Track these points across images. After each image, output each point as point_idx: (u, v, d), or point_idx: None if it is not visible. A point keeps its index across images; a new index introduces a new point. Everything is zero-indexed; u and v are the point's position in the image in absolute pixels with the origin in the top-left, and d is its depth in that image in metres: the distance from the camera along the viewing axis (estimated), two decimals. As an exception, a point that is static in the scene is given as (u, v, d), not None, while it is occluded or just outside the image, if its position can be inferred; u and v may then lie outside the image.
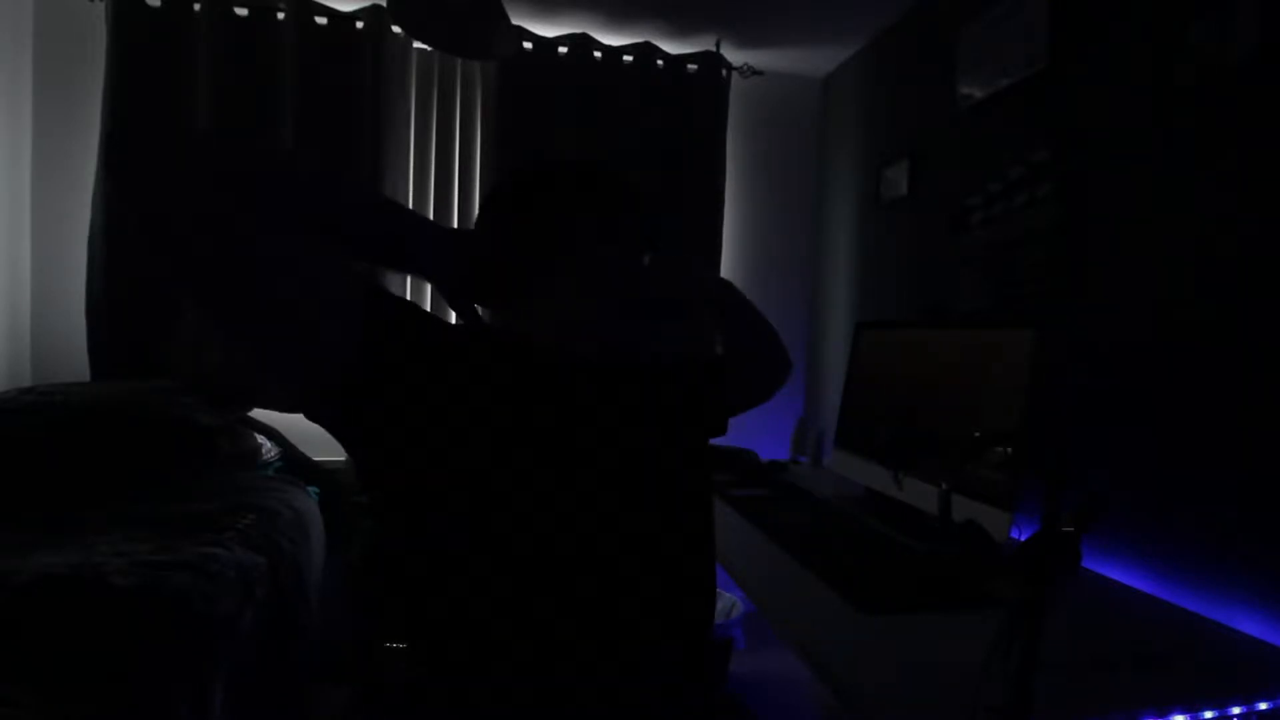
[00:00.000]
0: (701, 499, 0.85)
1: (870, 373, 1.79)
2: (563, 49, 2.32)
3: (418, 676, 0.72)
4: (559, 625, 0.69)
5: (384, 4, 2.07)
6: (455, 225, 2.31)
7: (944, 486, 1.07)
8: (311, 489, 1.98)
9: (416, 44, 2.24)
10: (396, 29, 2.17)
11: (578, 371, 0.79)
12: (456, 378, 0.70)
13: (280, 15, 2.12)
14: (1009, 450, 1.20)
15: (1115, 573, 1.26)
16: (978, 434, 1.19)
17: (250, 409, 2.11)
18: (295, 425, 2.16)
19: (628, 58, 2.38)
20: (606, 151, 2.34)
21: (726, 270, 2.54)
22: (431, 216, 2.32)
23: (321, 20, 2.15)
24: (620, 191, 0.85)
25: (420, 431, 0.68)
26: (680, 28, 2.32)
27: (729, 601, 2.20)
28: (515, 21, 2.19)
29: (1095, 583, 1.21)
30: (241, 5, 2.10)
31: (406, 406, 0.67)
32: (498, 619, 0.68)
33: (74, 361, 2.04)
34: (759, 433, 2.40)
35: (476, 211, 2.25)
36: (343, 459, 2.18)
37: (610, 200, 0.84)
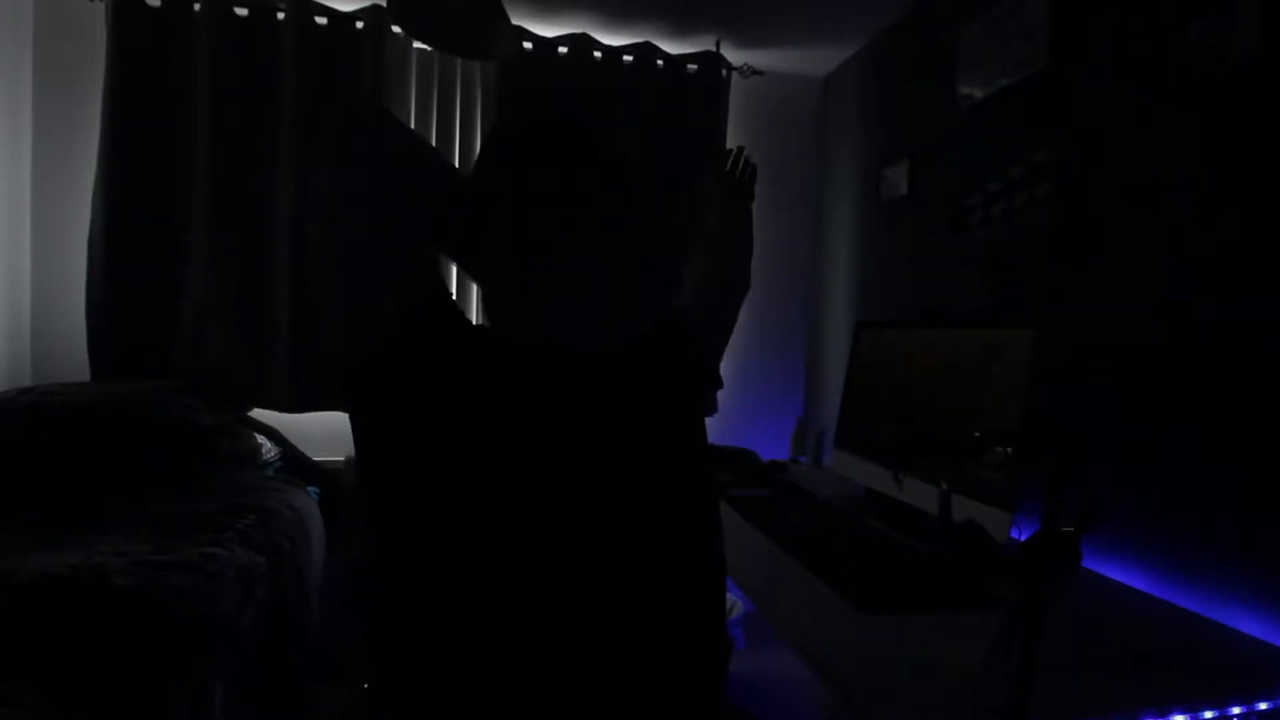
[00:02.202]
0: (701, 487, 0.83)
1: (870, 373, 1.79)
2: (563, 49, 2.32)
3: (418, 678, 0.72)
4: (559, 625, 0.69)
5: (384, 4, 2.07)
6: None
7: (944, 486, 1.07)
8: (311, 489, 1.98)
9: (416, 44, 2.24)
10: (396, 29, 2.17)
11: (562, 367, 0.78)
12: (455, 378, 0.71)
13: (280, 15, 2.12)
14: (1009, 450, 1.20)
15: (1115, 573, 1.26)
16: (978, 434, 1.19)
17: (250, 409, 2.11)
18: (295, 425, 2.16)
19: (628, 58, 2.38)
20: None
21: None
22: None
23: (321, 20, 2.15)
24: (594, 169, 0.80)
25: (419, 430, 0.69)
26: (680, 28, 2.32)
27: (729, 601, 2.20)
28: (515, 21, 2.19)
29: (1095, 583, 1.22)
30: (241, 5, 2.10)
31: (405, 403, 0.69)
32: (497, 619, 0.68)
33: (74, 361, 2.04)
34: (759, 433, 2.40)
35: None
36: (342, 459, 2.18)
37: (584, 187, 0.79)
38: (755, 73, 2.52)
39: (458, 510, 0.69)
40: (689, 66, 2.43)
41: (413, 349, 0.72)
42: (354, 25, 2.17)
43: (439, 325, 0.75)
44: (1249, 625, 1.03)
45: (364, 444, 0.74)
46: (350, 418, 0.75)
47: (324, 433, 2.18)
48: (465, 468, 0.69)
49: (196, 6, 2.07)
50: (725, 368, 1.05)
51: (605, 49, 2.36)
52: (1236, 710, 0.82)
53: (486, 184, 0.80)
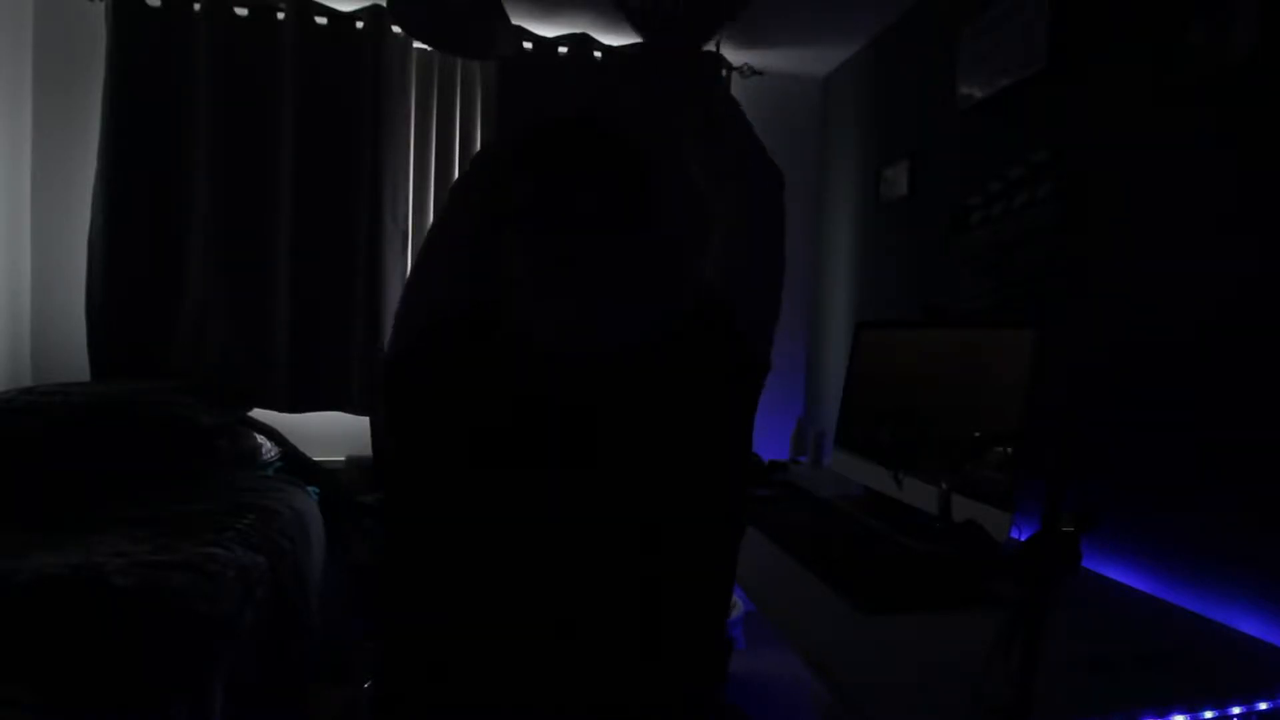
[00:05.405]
0: (730, 484, 0.81)
1: (870, 373, 1.79)
2: (563, 49, 2.32)
3: (418, 678, 0.72)
4: (561, 624, 0.69)
5: (384, 4, 2.07)
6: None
7: (944, 486, 1.08)
8: (311, 489, 1.98)
9: (416, 44, 2.24)
10: (396, 29, 2.17)
11: (587, 363, 0.76)
12: (485, 380, 0.72)
13: (280, 15, 2.12)
14: (1009, 450, 1.20)
15: (1115, 573, 1.25)
16: (978, 434, 1.19)
17: (250, 409, 2.11)
18: (295, 425, 2.16)
19: (628, 58, 2.38)
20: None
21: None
22: (431, 216, 2.32)
23: (321, 20, 2.15)
24: (607, 164, 0.78)
25: (447, 429, 0.70)
26: (680, 28, 2.32)
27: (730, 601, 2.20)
28: (515, 21, 2.19)
29: (1095, 583, 1.21)
30: (241, 5, 2.10)
31: (438, 401, 0.71)
32: (498, 617, 0.68)
33: (74, 361, 2.04)
34: (759, 433, 2.39)
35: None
36: (342, 459, 2.18)
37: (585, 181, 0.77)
38: (755, 73, 2.52)
39: (472, 509, 0.69)
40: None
41: (451, 352, 0.74)
42: (354, 25, 2.17)
43: (479, 329, 0.77)
44: (1249, 625, 1.03)
45: (394, 440, 0.75)
46: (381, 416, 0.78)
47: (324, 433, 2.18)
48: (486, 467, 0.70)
49: (196, 6, 2.07)
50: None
51: (605, 49, 2.36)
52: (1236, 710, 0.82)
53: (501, 188, 0.80)
